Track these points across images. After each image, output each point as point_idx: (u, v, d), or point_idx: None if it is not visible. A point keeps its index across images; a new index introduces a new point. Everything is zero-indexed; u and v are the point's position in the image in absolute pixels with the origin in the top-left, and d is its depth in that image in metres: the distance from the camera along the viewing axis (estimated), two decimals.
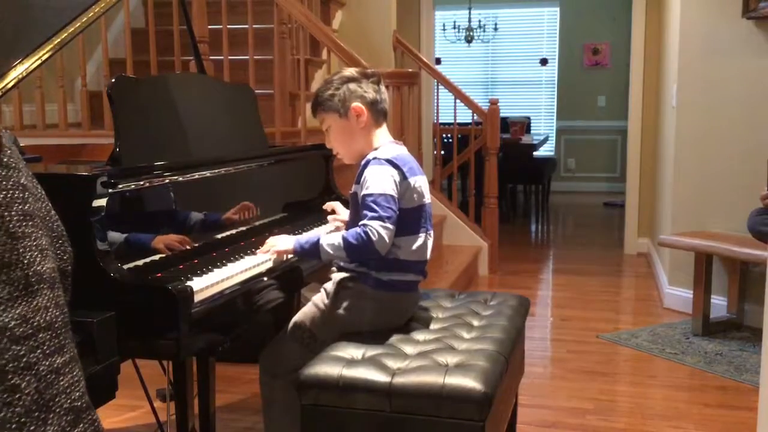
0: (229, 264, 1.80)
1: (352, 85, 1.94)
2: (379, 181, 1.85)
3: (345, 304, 1.95)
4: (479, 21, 8.55)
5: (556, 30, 9.02)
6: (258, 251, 1.92)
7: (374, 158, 1.90)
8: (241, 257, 1.87)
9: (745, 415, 2.62)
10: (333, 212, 2.21)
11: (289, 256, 1.95)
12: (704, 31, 3.79)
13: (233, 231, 1.96)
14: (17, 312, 0.56)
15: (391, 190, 1.85)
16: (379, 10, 4.86)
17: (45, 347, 0.57)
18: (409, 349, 1.82)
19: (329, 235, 1.91)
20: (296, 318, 2.06)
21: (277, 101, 3.63)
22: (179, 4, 2.89)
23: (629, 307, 4.32)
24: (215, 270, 1.73)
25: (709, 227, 3.76)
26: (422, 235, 1.95)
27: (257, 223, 2.08)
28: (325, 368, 1.70)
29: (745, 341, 3.44)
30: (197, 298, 1.54)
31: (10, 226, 0.57)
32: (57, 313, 0.60)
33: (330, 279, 2.01)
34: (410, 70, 4.38)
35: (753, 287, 3.61)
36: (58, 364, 0.58)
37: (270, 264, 1.88)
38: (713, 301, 3.60)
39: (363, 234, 1.80)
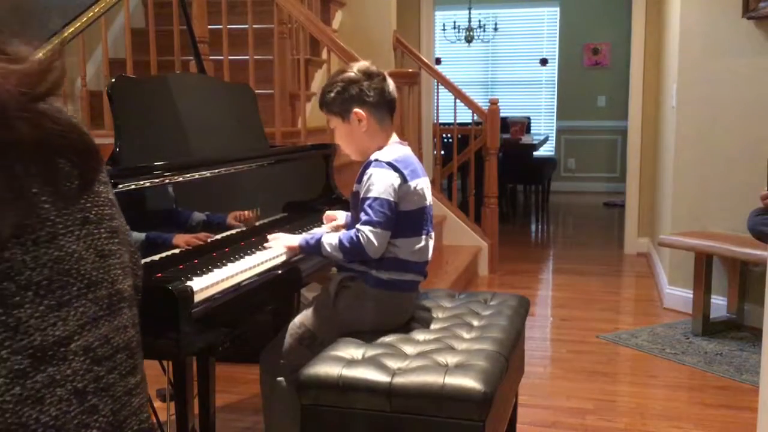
0: (229, 264, 1.80)
1: (354, 89, 1.94)
2: (376, 185, 1.87)
3: (345, 303, 1.95)
4: (479, 21, 8.55)
5: (556, 30, 9.02)
6: (266, 244, 1.97)
7: (376, 160, 1.91)
8: (241, 257, 1.87)
9: (745, 415, 2.62)
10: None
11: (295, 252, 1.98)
12: (704, 31, 3.79)
13: (233, 231, 1.96)
14: (100, 332, 0.55)
15: (387, 194, 1.86)
16: (379, 10, 4.86)
17: (122, 368, 0.57)
18: (409, 349, 1.82)
19: (330, 234, 1.94)
20: (296, 318, 2.06)
21: (277, 101, 3.63)
22: (179, 4, 2.89)
23: (629, 307, 4.32)
24: (215, 270, 1.73)
25: (709, 227, 3.76)
26: (423, 237, 1.96)
27: (257, 223, 2.08)
28: (325, 368, 1.70)
29: (745, 341, 3.44)
30: (197, 298, 1.54)
31: (99, 243, 0.57)
32: (133, 333, 0.59)
33: (330, 279, 2.01)
34: (410, 70, 4.38)
35: (753, 287, 3.61)
36: (131, 385, 0.58)
37: (270, 264, 1.88)
38: (713, 301, 3.60)
39: (355, 238, 1.86)
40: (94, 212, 0.57)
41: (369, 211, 1.86)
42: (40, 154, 0.53)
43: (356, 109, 1.94)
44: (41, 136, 0.53)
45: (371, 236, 1.84)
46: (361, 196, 1.89)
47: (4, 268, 0.49)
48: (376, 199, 1.86)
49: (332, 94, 1.96)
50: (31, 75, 0.54)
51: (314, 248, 1.93)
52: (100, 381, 0.55)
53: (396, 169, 1.89)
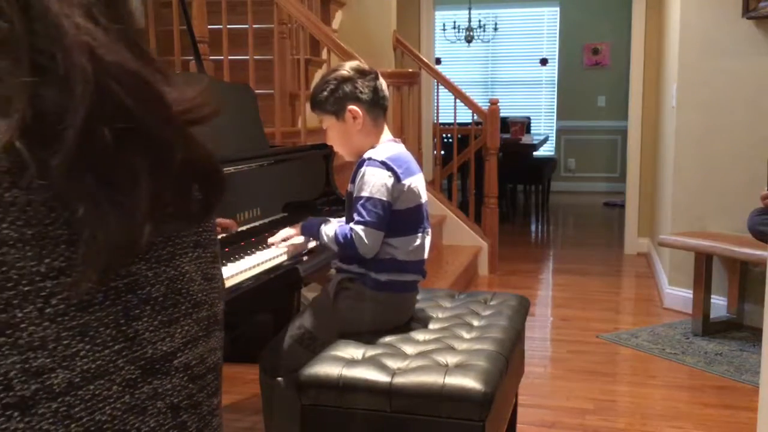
0: (229, 264, 1.80)
1: (348, 87, 1.93)
2: (369, 184, 1.87)
3: (345, 304, 1.95)
4: (479, 21, 8.55)
5: (556, 30, 9.02)
6: (270, 239, 2.00)
7: (369, 159, 1.91)
8: (241, 257, 1.87)
9: (745, 415, 2.62)
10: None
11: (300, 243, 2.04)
12: (704, 31, 3.79)
13: (234, 231, 1.96)
14: (198, 351, 0.58)
15: (380, 194, 1.86)
16: (379, 10, 4.86)
17: (209, 388, 0.59)
18: (409, 349, 1.82)
19: (329, 225, 1.96)
20: (296, 318, 2.06)
21: (277, 101, 3.63)
22: (179, 4, 2.89)
23: (629, 307, 4.32)
24: None
25: (709, 227, 3.76)
26: (420, 235, 1.96)
27: (257, 223, 2.08)
28: (325, 368, 1.70)
29: (745, 341, 3.44)
30: None
31: (205, 267, 0.59)
32: (220, 355, 0.62)
33: (329, 280, 2.01)
34: (410, 70, 4.38)
35: (753, 287, 3.61)
36: (214, 406, 0.60)
37: (270, 264, 1.88)
38: (713, 301, 3.60)
39: (348, 235, 1.87)
40: (204, 236, 0.60)
41: (362, 210, 1.87)
42: (182, 176, 0.56)
43: (351, 107, 1.93)
44: (188, 160, 0.56)
45: (363, 235, 1.85)
46: (355, 195, 1.90)
47: (129, 282, 0.52)
48: (369, 198, 1.87)
49: (325, 93, 1.95)
50: (193, 103, 0.59)
51: (314, 232, 1.97)
52: (191, 398, 0.57)
53: (389, 167, 1.89)
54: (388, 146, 1.96)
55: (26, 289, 0.46)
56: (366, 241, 1.86)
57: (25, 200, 0.46)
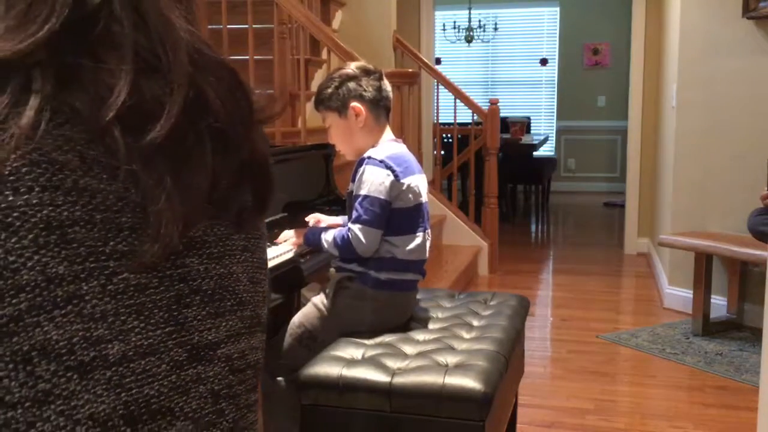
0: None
1: (352, 84, 1.94)
2: (367, 183, 1.88)
3: (344, 303, 1.95)
4: (479, 21, 8.55)
5: (556, 30, 9.03)
6: (277, 240, 2.02)
7: (369, 158, 1.91)
8: None
9: (745, 415, 2.62)
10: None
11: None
12: (704, 31, 3.79)
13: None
14: (240, 347, 0.62)
15: (378, 192, 1.87)
16: (379, 10, 4.86)
17: (248, 383, 0.64)
18: (409, 349, 1.82)
19: (328, 231, 1.97)
20: (296, 318, 2.06)
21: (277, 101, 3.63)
22: None
23: (629, 307, 4.32)
24: None
25: (709, 227, 3.76)
26: (420, 234, 1.96)
27: None
28: (325, 368, 1.70)
29: (745, 341, 3.44)
30: None
31: (251, 270, 0.64)
32: (261, 356, 0.66)
33: (329, 279, 2.01)
34: (410, 70, 4.38)
35: (753, 287, 3.61)
36: (251, 401, 0.65)
37: (270, 264, 1.88)
38: (713, 301, 3.60)
39: (345, 235, 1.89)
40: (252, 243, 0.65)
41: (359, 209, 1.88)
42: (240, 177, 0.61)
43: (354, 104, 1.94)
44: (251, 161, 0.62)
45: (360, 234, 1.87)
46: (354, 193, 1.92)
47: (182, 272, 0.57)
48: (366, 197, 1.88)
49: (329, 89, 1.96)
50: (264, 101, 0.64)
51: (316, 240, 1.98)
52: (231, 389, 0.62)
53: (388, 166, 1.89)
54: (389, 145, 1.97)
55: (92, 266, 0.51)
56: (363, 239, 1.87)
57: (96, 188, 0.51)
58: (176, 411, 0.57)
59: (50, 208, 0.49)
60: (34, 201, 0.48)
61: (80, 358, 0.50)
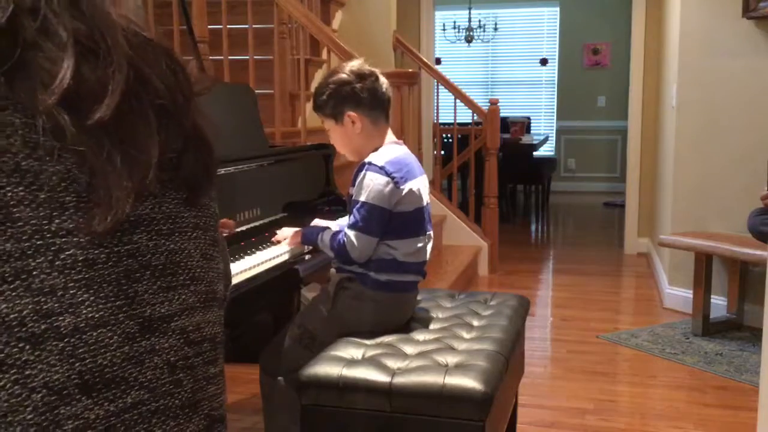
0: (229, 264, 1.80)
1: (346, 90, 1.92)
2: (366, 189, 1.88)
3: (344, 304, 1.95)
4: (479, 21, 8.55)
5: (556, 30, 9.02)
6: (274, 238, 2.02)
7: (370, 164, 1.91)
8: (242, 257, 1.87)
9: (745, 415, 2.62)
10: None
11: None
12: (704, 31, 3.79)
13: (233, 231, 1.96)
14: (195, 320, 0.65)
15: (376, 200, 1.87)
16: (379, 10, 4.86)
17: (205, 355, 0.67)
18: (409, 349, 1.82)
19: (326, 232, 1.97)
20: (296, 318, 2.06)
21: (277, 101, 3.63)
22: (179, 4, 2.89)
23: (629, 307, 4.32)
24: None
25: (709, 227, 3.76)
26: (422, 237, 1.97)
27: (257, 223, 2.08)
28: (325, 368, 1.70)
29: (745, 341, 3.44)
30: None
31: (204, 247, 0.67)
32: (218, 330, 0.69)
33: (329, 280, 2.01)
34: (410, 70, 4.38)
35: (753, 287, 3.61)
36: (210, 374, 0.67)
37: (270, 264, 1.88)
38: (713, 301, 3.60)
39: (341, 240, 1.90)
40: (203, 220, 0.68)
41: (357, 215, 1.89)
42: (185, 148, 0.64)
43: (349, 112, 1.93)
44: (193, 133, 0.65)
45: (354, 240, 1.87)
46: (353, 198, 1.92)
47: (131, 248, 0.60)
48: (364, 204, 1.88)
49: (324, 97, 1.95)
50: (196, 75, 0.68)
51: (313, 239, 1.99)
52: (187, 360, 0.64)
53: (388, 173, 1.89)
54: (390, 149, 1.96)
55: (38, 243, 0.54)
56: (356, 244, 1.87)
57: (39, 169, 0.54)
58: (131, 380, 0.59)
59: None
60: None
61: (31, 330, 0.53)
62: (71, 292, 0.55)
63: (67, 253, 0.55)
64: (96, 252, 0.57)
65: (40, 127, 0.53)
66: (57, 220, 0.55)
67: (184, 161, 0.65)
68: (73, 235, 0.55)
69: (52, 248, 0.54)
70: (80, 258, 0.56)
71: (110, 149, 0.56)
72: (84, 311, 0.56)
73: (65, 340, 0.55)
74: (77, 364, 0.55)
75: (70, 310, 0.55)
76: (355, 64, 1.98)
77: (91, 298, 0.56)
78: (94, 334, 0.56)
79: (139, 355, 0.60)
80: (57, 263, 0.55)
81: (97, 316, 0.57)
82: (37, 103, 0.53)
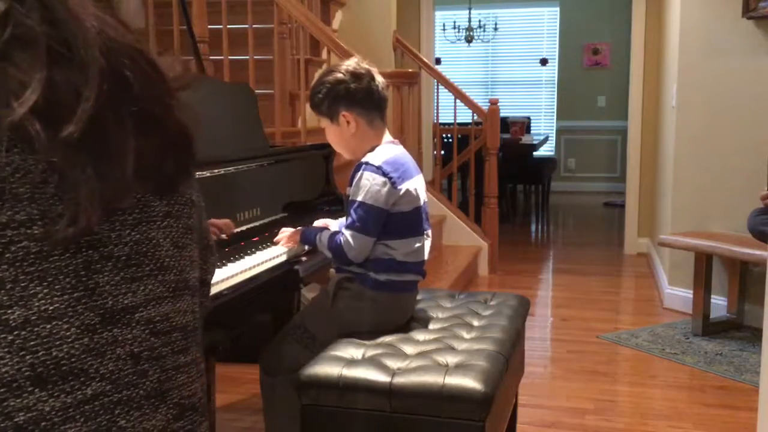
0: (229, 264, 1.80)
1: (341, 90, 1.91)
2: (362, 190, 1.88)
3: (344, 304, 1.95)
4: (479, 21, 8.55)
5: (556, 30, 9.02)
6: (275, 239, 2.01)
7: (366, 163, 1.91)
8: (242, 257, 1.87)
9: (745, 415, 2.62)
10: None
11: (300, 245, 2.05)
12: (704, 31, 3.79)
13: (233, 231, 1.96)
14: (162, 310, 0.64)
15: (373, 200, 1.87)
16: (379, 10, 4.86)
17: (175, 345, 0.65)
18: (409, 349, 1.82)
19: (325, 232, 1.97)
20: (296, 318, 2.06)
21: (277, 101, 3.63)
22: (179, 4, 2.89)
23: (629, 307, 4.32)
24: (215, 270, 1.73)
25: (709, 227, 3.76)
26: (420, 237, 1.97)
27: (257, 223, 2.08)
28: (325, 368, 1.70)
29: (745, 341, 3.44)
30: None
31: (176, 236, 0.66)
32: (191, 318, 0.68)
33: (329, 279, 2.01)
34: (410, 70, 4.38)
35: (753, 287, 3.61)
36: (180, 363, 0.66)
37: (270, 264, 1.88)
38: (713, 301, 3.60)
39: (338, 240, 1.90)
40: (176, 208, 0.67)
41: (353, 215, 1.89)
42: (164, 151, 0.63)
43: (344, 112, 1.93)
44: (174, 132, 0.64)
45: (351, 240, 1.87)
46: (350, 198, 1.92)
47: (91, 239, 0.59)
48: (360, 204, 1.88)
49: (320, 96, 1.94)
50: (180, 68, 0.67)
51: (311, 242, 1.98)
52: (153, 351, 0.63)
53: (385, 173, 1.89)
54: (387, 149, 1.96)
55: None
56: (353, 244, 1.87)
57: None
58: (91, 372, 0.58)
59: None
60: None
61: None
62: (22, 284, 0.54)
63: (19, 245, 0.54)
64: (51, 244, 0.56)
65: (13, 138, 0.53)
66: (9, 212, 0.54)
67: (165, 167, 0.64)
68: (26, 227, 0.54)
69: (2, 240, 0.53)
70: (33, 250, 0.55)
71: (84, 163, 0.55)
72: (36, 304, 0.55)
73: (15, 333, 0.54)
74: (28, 357, 0.54)
75: (20, 302, 0.54)
76: (351, 63, 1.96)
77: (45, 290, 0.55)
78: (48, 326, 0.56)
79: (100, 346, 0.59)
80: (7, 255, 0.54)
81: (51, 308, 0.56)
82: (8, 116, 0.52)
